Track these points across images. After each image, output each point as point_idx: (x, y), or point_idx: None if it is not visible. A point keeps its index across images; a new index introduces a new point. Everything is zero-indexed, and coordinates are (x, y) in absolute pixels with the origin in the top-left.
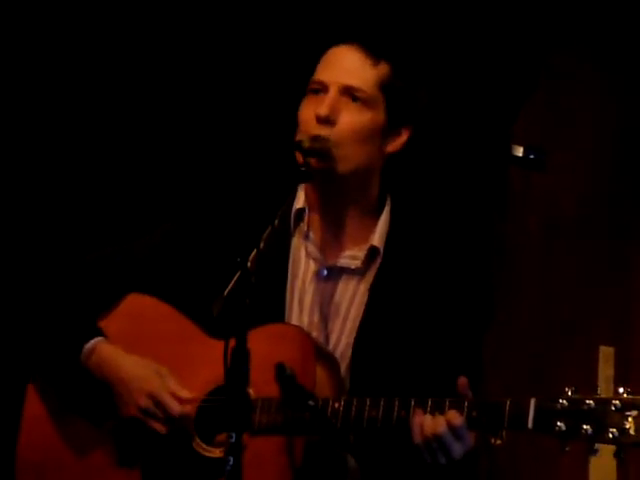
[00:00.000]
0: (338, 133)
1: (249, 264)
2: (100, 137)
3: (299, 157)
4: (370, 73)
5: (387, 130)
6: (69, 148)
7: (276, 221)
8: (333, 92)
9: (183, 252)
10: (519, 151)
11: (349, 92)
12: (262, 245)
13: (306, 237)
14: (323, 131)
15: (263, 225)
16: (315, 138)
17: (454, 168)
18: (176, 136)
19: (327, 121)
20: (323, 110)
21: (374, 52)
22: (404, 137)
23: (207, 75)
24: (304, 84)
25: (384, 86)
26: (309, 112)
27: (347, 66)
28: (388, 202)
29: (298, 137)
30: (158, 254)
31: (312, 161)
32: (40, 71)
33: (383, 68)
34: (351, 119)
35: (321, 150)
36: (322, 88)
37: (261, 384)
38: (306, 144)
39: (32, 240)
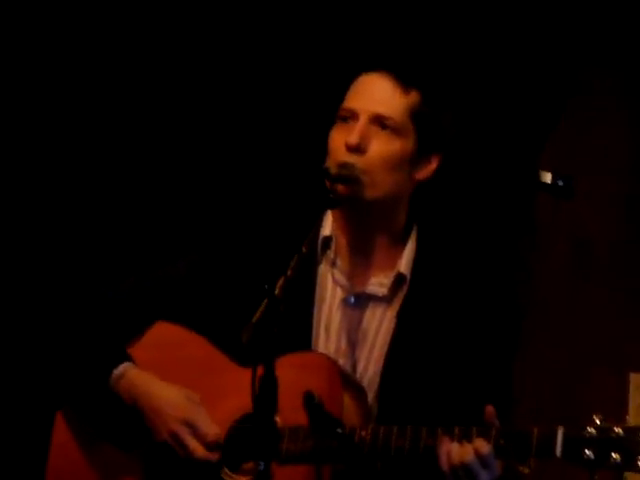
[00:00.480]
0: (368, 161)
1: (277, 291)
2: (130, 164)
3: (327, 184)
4: (400, 101)
5: (416, 158)
6: (98, 174)
7: (303, 248)
8: (363, 120)
9: (210, 280)
10: (547, 178)
11: (379, 120)
12: (290, 272)
13: (333, 264)
14: (352, 159)
15: (290, 252)
16: (343, 165)
17: (481, 192)
18: (205, 163)
19: (357, 149)
20: (353, 138)
21: (404, 80)
22: (434, 165)
23: (236, 103)
24: (333, 111)
25: (414, 114)
26: (339, 140)
27: (377, 94)
28: (415, 229)
29: (326, 164)
30: (185, 282)
31: (340, 187)
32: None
33: (413, 96)
34: (381, 147)
35: (349, 177)
36: (352, 116)
37: (288, 412)
38: (334, 171)
39: (61, 266)
